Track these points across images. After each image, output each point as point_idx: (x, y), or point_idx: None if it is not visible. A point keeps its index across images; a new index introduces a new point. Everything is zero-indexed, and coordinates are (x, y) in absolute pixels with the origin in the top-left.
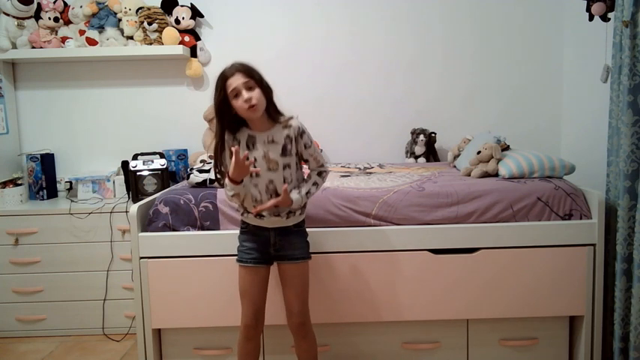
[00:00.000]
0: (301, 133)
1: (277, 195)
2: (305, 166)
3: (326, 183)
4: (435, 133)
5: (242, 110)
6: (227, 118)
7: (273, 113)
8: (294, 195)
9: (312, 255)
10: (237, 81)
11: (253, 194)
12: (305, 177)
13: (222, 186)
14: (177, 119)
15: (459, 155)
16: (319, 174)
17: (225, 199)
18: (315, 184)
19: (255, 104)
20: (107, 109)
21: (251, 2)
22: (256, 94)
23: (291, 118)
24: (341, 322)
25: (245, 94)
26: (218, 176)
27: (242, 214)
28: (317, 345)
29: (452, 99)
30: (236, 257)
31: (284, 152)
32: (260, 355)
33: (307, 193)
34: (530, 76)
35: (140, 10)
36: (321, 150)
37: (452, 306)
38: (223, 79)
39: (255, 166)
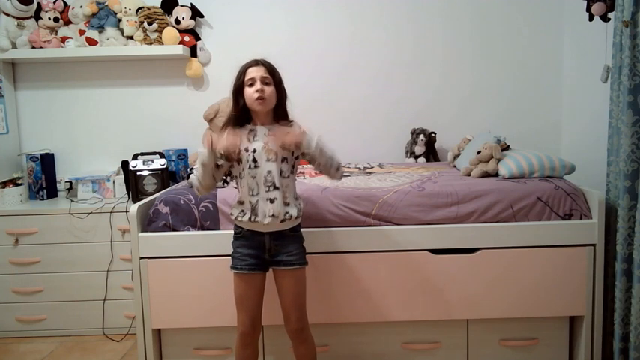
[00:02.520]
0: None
1: (275, 187)
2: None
3: (326, 183)
4: (435, 133)
5: (250, 99)
6: (237, 107)
7: (279, 116)
8: (313, 136)
9: (313, 255)
10: (257, 72)
11: (250, 185)
12: (297, 194)
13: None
14: (177, 119)
15: (459, 155)
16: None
17: (225, 199)
18: (333, 153)
19: (264, 98)
20: (107, 109)
21: (251, 2)
22: (269, 89)
23: (293, 121)
24: (341, 322)
25: (259, 85)
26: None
27: (235, 218)
28: (316, 347)
29: (452, 99)
30: (230, 264)
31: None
32: (260, 356)
33: (325, 148)
34: (530, 77)
35: (140, 10)
36: None
37: (452, 306)
38: (246, 66)
39: (254, 158)
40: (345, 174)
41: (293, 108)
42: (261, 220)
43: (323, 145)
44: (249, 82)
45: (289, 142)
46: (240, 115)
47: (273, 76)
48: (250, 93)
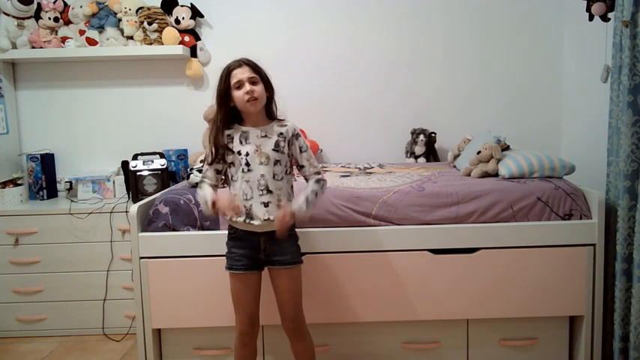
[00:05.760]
0: (296, 135)
1: (269, 191)
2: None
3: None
4: (435, 133)
5: (241, 102)
6: (225, 111)
7: (271, 112)
8: (294, 206)
9: (313, 255)
10: (242, 74)
11: (244, 190)
12: (293, 195)
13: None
14: (177, 119)
15: (459, 155)
16: (317, 181)
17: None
18: (314, 192)
19: (257, 98)
20: (107, 109)
21: (251, 2)
22: (259, 88)
23: (286, 120)
24: (341, 322)
25: (248, 87)
26: (206, 161)
27: (230, 218)
28: (314, 345)
29: (452, 99)
30: (225, 264)
31: (276, 147)
32: (259, 356)
33: (306, 200)
34: (530, 76)
35: (140, 10)
36: (321, 150)
37: (452, 306)
38: (229, 69)
39: (247, 162)
40: (345, 174)
41: (293, 108)
42: (256, 223)
43: (306, 204)
44: (237, 85)
45: (283, 230)
46: (227, 119)
47: (259, 74)
48: (240, 96)
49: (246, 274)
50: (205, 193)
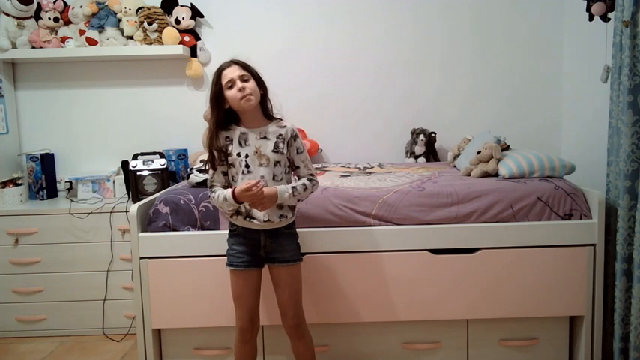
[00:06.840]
0: (294, 136)
1: None
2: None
3: (326, 183)
4: (435, 133)
5: (235, 101)
6: (219, 113)
7: (267, 110)
8: (280, 186)
9: (313, 255)
10: (232, 72)
11: None
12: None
13: (210, 186)
14: (177, 119)
15: (459, 155)
16: (309, 180)
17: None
18: (304, 185)
19: (250, 94)
20: (107, 109)
21: (251, 2)
22: (251, 85)
23: (284, 120)
24: (341, 322)
25: (239, 84)
26: (207, 168)
27: (231, 217)
28: (314, 345)
29: (452, 99)
30: (226, 261)
31: (275, 149)
32: (259, 355)
33: (293, 189)
34: (530, 76)
35: (140, 10)
36: (321, 150)
37: (452, 306)
38: (219, 70)
39: (247, 164)
40: (345, 174)
41: (293, 108)
42: (256, 223)
43: (293, 191)
44: (229, 85)
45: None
46: (224, 120)
47: (249, 72)
48: (233, 94)
49: (246, 271)
50: (220, 193)
